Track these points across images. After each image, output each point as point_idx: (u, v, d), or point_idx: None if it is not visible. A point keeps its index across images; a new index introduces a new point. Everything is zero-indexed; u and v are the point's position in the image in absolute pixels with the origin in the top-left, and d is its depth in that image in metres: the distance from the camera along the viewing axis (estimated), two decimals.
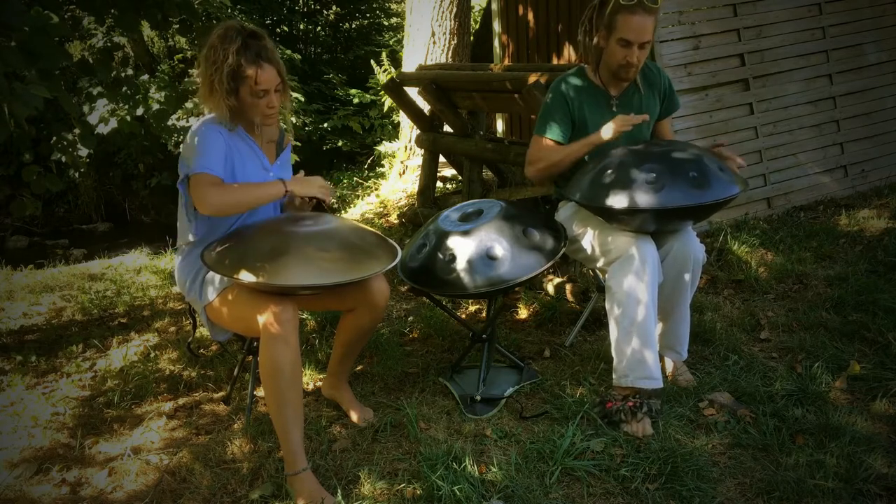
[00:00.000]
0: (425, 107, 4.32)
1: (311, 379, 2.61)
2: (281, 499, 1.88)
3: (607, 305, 2.21)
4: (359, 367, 2.66)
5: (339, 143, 8.77)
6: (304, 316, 3.14)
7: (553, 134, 2.36)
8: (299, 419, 1.90)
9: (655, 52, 3.53)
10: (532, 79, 3.06)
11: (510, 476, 1.90)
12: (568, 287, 3.12)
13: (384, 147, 7.06)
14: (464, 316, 3.15)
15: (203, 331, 2.92)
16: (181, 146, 2.08)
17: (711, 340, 2.61)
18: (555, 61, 4.93)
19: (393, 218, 4.75)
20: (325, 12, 10.87)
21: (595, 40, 2.29)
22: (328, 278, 1.85)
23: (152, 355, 2.95)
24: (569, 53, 4.84)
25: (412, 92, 4.32)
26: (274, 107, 2.05)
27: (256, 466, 2.04)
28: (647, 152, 2.18)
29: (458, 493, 1.81)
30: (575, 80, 2.38)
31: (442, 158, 4.46)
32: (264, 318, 1.86)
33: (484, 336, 2.45)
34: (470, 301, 3.22)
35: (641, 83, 2.39)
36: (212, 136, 2.02)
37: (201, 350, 2.96)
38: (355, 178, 7.24)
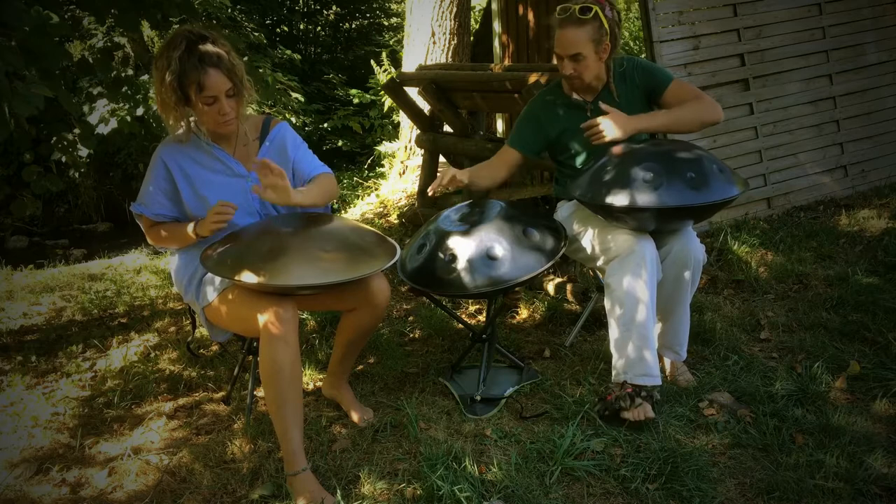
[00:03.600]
0: (425, 107, 4.32)
1: (311, 379, 2.61)
2: (281, 499, 1.88)
3: (606, 304, 2.22)
4: (359, 367, 2.66)
5: (339, 143, 8.78)
6: (304, 316, 3.13)
7: (513, 143, 2.49)
8: (299, 419, 1.90)
9: (655, 52, 3.54)
10: (532, 79, 3.06)
11: (510, 476, 1.90)
12: (568, 287, 3.12)
13: (384, 147, 7.06)
14: (464, 316, 3.15)
15: (203, 331, 2.92)
16: None
17: (711, 340, 2.61)
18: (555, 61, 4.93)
19: (393, 218, 4.75)
20: (325, 12, 10.87)
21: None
22: (328, 278, 1.85)
23: (152, 355, 2.95)
24: None
25: (412, 92, 4.32)
26: (227, 113, 1.95)
27: (256, 466, 2.04)
28: (648, 151, 2.18)
29: (458, 493, 1.80)
30: (549, 97, 2.49)
31: (442, 158, 4.46)
32: (264, 319, 1.86)
33: (484, 336, 2.45)
34: (470, 301, 3.22)
35: (616, 82, 2.37)
36: (154, 170, 2.05)
37: (201, 350, 2.96)
38: (355, 178, 7.25)
